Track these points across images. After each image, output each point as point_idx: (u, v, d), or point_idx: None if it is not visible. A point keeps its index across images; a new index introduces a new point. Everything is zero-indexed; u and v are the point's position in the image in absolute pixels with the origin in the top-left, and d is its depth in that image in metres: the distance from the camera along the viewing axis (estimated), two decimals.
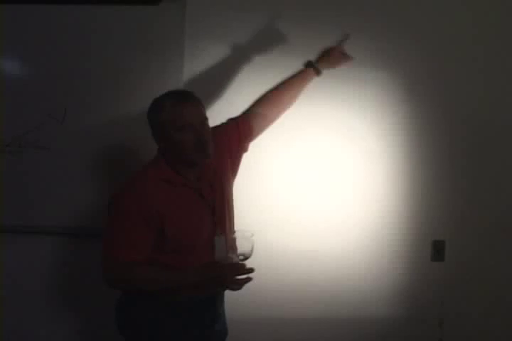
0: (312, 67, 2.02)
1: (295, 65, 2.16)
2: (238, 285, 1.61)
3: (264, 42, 2.23)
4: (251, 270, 1.60)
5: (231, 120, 1.92)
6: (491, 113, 2.35)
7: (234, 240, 1.64)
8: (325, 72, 2.05)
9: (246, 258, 1.64)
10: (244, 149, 1.93)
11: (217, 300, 1.81)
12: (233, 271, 1.60)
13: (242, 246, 1.64)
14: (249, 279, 1.60)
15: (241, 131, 1.89)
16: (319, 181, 2.30)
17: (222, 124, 1.92)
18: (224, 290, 1.76)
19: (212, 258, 1.68)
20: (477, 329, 2.38)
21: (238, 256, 1.63)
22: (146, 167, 1.76)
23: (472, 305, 2.37)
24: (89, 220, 2.18)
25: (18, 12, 2.15)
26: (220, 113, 2.17)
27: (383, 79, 2.26)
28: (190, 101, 1.69)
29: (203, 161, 1.71)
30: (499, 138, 2.36)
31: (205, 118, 1.72)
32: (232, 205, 1.87)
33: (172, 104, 1.67)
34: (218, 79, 2.23)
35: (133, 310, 1.75)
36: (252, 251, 1.66)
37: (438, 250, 2.34)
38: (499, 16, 2.32)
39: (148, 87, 2.10)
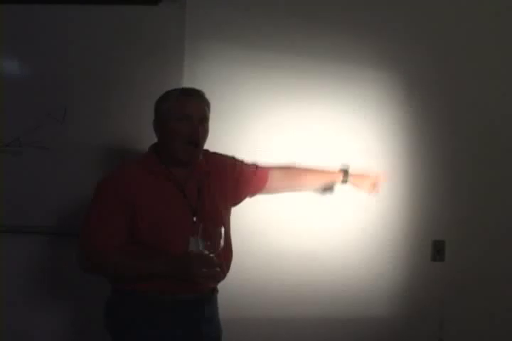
0: (343, 175, 2.04)
1: (295, 65, 2.16)
2: (204, 277, 1.61)
3: (264, 41, 2.24)
4: (219, 264, 1.61)
5: (252, 164, 1.94)
6: (492, 113, 2.35)
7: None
8: (325, 72, 2.06)
9: (214, 251, 1.62)
10: (252, 192, 1.93)
11: (204, 301, 1.78)
12: (200, 262, 1.60)
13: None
14: (216, 272, 1.61)
15: (256, 177, 1.92)
16: None
17: (244, 162, 1.93)
18: (194, 280, 1.67)
19: None
20: (477, 329, 2.37)
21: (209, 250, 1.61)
22: (135, 158, 1.81)
23: (472, 305, 2.37)
24: None
25: (18, 12, 2.15)
26: (220, 113, 2.18)
27: (384, 80, 2.26)
28: (196, 97, 1.74)
29: (189, 161, 1.73)
30: (499, 138, 2.36)
31: (206, 118, 1.74)
32: (226, 226, 1.81)
33: (179, 94, 1.74)
34: (218, 79, 2.23)
35: (121, 309, 1.75)
36: (220, 243, 1.64)
37: (438, 250, 2.34)
38: (499, 16, 2.32)
39: (148, 87, 2.10)
